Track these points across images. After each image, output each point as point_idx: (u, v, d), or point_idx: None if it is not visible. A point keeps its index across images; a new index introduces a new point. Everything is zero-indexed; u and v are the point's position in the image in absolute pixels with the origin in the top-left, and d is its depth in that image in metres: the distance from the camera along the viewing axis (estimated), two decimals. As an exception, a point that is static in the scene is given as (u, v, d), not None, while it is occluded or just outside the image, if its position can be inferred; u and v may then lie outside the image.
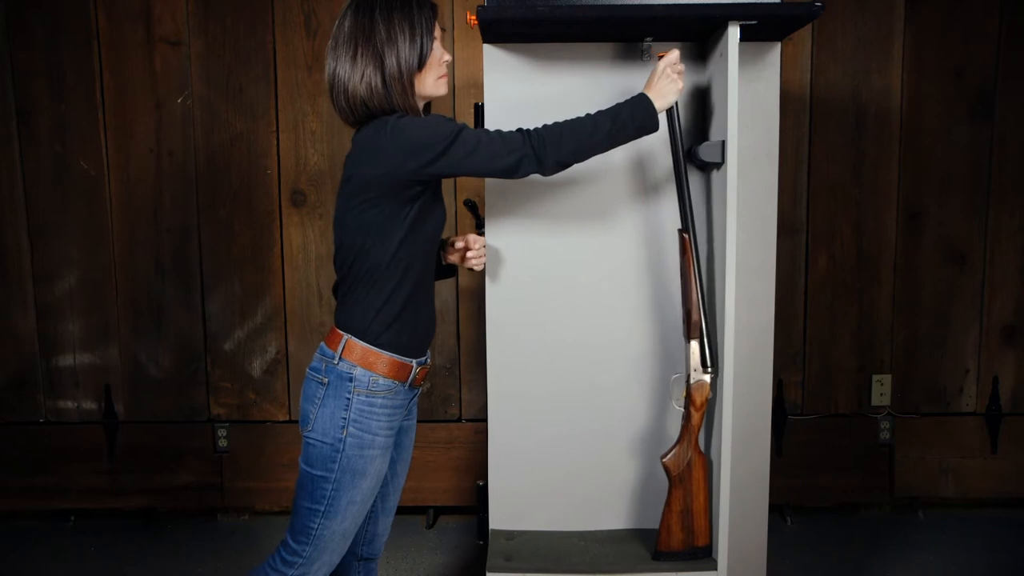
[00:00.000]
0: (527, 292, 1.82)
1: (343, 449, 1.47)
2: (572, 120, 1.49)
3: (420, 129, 1.42)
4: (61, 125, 2.66)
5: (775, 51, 1.75)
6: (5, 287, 2.72)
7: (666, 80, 1.54)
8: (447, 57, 1.53)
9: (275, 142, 2.68)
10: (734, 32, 1.55)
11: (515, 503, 1.86)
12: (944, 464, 2.79)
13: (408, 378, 1.53)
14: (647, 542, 1.76)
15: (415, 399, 1.65)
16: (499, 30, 1.68)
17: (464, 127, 1.45)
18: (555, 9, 1.55)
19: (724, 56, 1.57)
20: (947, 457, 2.79)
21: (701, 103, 1.77)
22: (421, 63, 1.47)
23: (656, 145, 1.79)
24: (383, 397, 1.49)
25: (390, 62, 1.45)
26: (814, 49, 2.65)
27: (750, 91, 1.73)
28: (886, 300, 2.74)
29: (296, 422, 2.42)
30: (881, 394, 2.76)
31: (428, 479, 2.77)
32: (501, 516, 1.86)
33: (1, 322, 2.73)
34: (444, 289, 2.72)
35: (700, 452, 1.68)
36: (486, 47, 1.76)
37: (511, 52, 1.76)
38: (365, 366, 1.48)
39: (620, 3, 1.55)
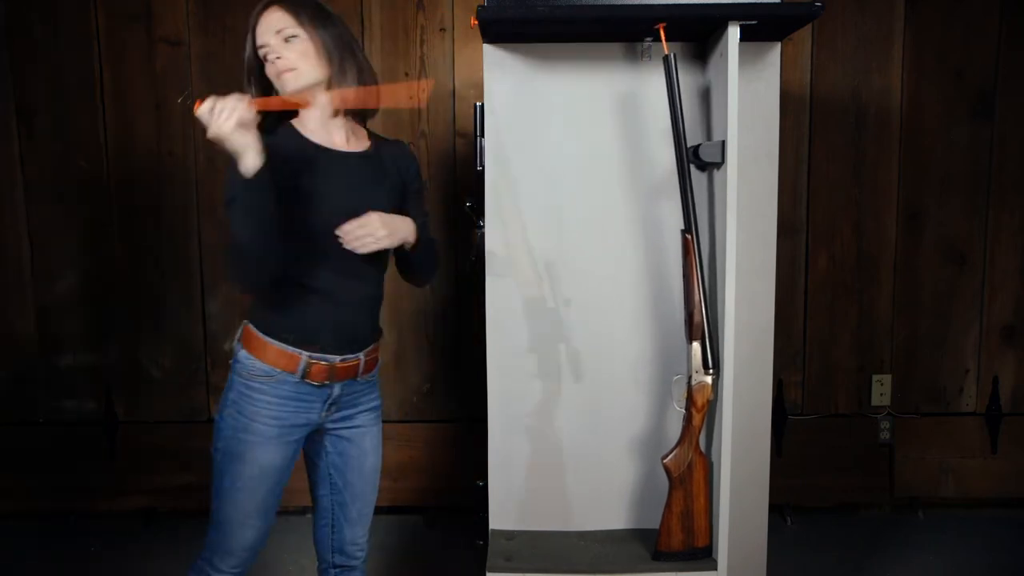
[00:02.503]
0: (527, 292, 1.82)
1: (221, 428, 1.52)
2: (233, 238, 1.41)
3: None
4: (61, 125, 2.66)
5: (775, 51, 1.75)
6: (5, 287, 2.72)
7: (219, 134, 1.32)
8: (270, 55, 1.49)
9: (275, 142, 2.67)
10: (734, 32, 1.55)
11: (515, 503, 1.86)
12: (944, 464, 2.79)
13: (297, 369, 1.51)
14: (647, 542, 1.76)
15: (347, 403, 1.61)
16: (499, 30, 1.68)
17: (229, 203, 1.39)
18: (555, 9, 1.55)
19: (724, 56, 1.57)
20: (947, 457, 2.79)
21: (702, 103, 1.77)
22: (260, 65, 1.51)
23: (656, 145, 1.79)
24: (260, 383, 1.50)
25: None
26: (814, 49, 2.65)
27: (750, 91, 1.73)
28: (886, 300, 2.74)
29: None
30: (881, 394, 2.76)
31: (428, 479, 2.77)
32: (501, 516, 1.86)
33: (1, 322, 2.73)
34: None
35: (701, 453, 1.68)
36: (486, 47, 1.76)
37: (511, 52, 1.76)
38: (248, 350, 1.52)
39: (620, 3, 1.55)
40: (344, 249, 1.50)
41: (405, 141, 1.75)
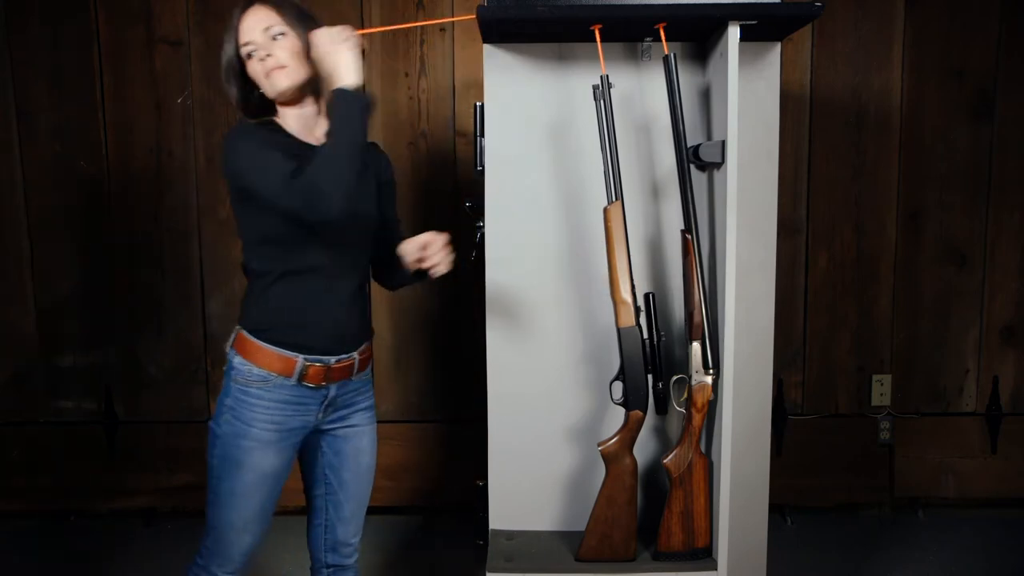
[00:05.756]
0: (527, 292, 1.82)
1: (219, 435, 1.52)
2: (317, 157, 1.38)
3: (230, 150, 1.45)
4: (61, 125, 2.66)
5: (775, 51, 1.75)
6: (5, 287, 2.72)
7: (337, 57, 1.40)
8: (260, 52, 1.47)
9: (275, 142, 2.67)
10: (734, 32, 1.55)
11: (515, 503, 1.86)
12: (944, 464, 2.79)
13: (294, 373, 1.51)
14: (647, 542, 1.76)
15: (342, 403, 1.60)
16: (499, 30, 1.68)
17: (254, 168, 1.41)
18: (555, 9, 1.55)
19: (724, 56, 1.57)
20: (947, 457, 2.79)
21: (702, 103, 1.77)
22: (240, 64, 1.50)
23: (657, 145, 1.79)
24: (258, 388, 1.50)
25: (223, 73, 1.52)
26: (814, 49, 2.65)
27: (750, 91, 1.73)
28: (886, 300, 2.74)
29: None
30: (881, 394, 2.76)
31: (427, 479, 2.77)
32: (501, 516, 1.86)
33: (1, 322, 2.73)
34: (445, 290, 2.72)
35: (701, 453, 1.68)
36: (486, 47, 1.76)
37: (511, 52, 1.76)
38: (243, 355, 1.52)
39: (620, 3, 1.55)
40: (331, 247, 1.50)
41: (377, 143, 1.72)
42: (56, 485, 2.77)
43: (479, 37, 1.74)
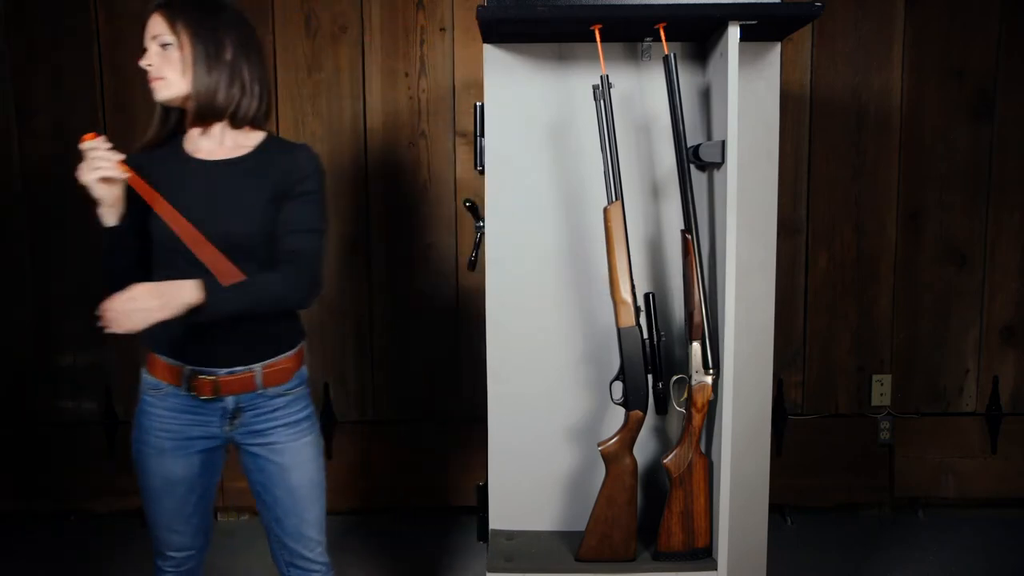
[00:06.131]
0: (527, 292, 1.82)
1: (133, 439, 1.61)
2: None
3: None
4: (61, 125, 2.66)
5: (775, 51, 1.75)
6: (5, 286, 2.72)
7: (89, 189, 1.43)
8: (142, 62, 1.50)
9: (275, 142, 2.67)
10: (734, 32, 1.55)
11: (515, 503, 1.86)
12: (944, 464, 2.79)
13: (182, 382, 1.52)
14: (647, 542, 1.76)
15: (255, 419, 1.56)
16: (499, 30, 1.68)
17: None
18: (555, 9, 1.55)
19: (724, 56, 1.57)
20: (947, 457, 2.79)
21: (702, 103, 1.77)
22: None
23: (657, 145, 1.79)
24: (152, 396, 1.56)
25: None
26: (814, 49, 2.66)
27: (750, 91, 1.73)
28: (886, 300, 2.74)
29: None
30: (881, 394, 2.76)
31: (426, 479, 2.77)
32: (501, 516, 1.86)
33: (1, 322, 2.73)
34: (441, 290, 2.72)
35: (701, 453, 1.68)
36: (486, 47, 1.76)
37: (511, 52, 1.76)
38: (145, 364, 1.59)
39: (620, 3, 1.55)
40: (193, 266, 1.45)
41: (307, 145, 1.60)
42: (56, 485, 2.77)
43: (479, 37, 1.74)
